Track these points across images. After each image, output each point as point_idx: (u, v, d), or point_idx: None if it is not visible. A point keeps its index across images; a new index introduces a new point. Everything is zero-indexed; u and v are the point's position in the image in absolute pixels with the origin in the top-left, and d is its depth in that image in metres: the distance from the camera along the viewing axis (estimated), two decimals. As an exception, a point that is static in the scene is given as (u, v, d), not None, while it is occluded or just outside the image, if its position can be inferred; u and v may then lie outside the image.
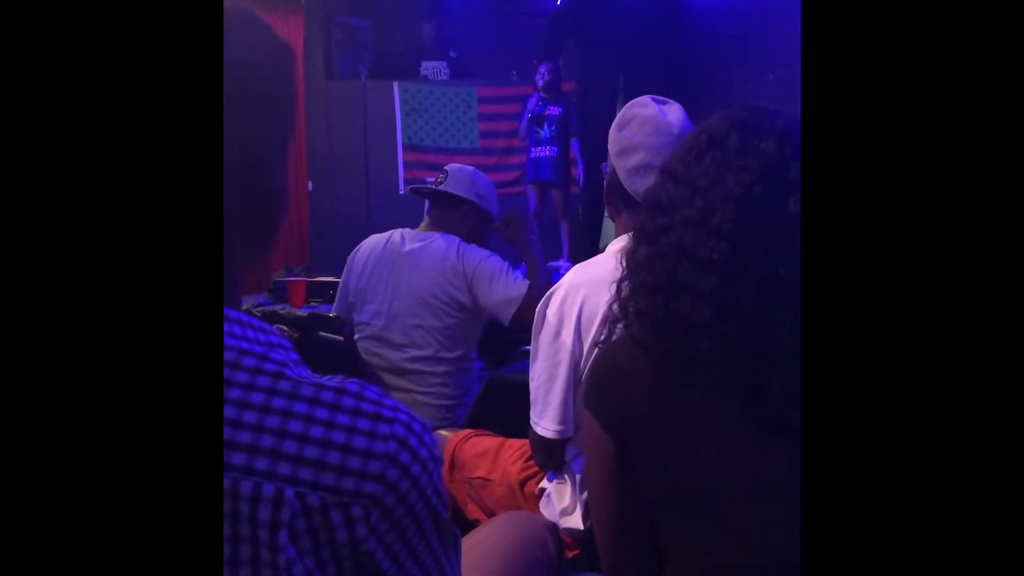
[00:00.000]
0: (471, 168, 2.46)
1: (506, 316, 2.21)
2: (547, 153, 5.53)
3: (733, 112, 0.94)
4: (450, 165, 2.42)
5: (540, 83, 5.53)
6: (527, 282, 2.23)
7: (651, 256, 0.91)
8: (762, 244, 0.85)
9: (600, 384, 0.95)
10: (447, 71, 6.48)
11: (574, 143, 5.50)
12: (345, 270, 2.41)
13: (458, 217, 2.35)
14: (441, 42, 6.56)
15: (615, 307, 0.99)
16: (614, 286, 1.00)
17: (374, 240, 2.37)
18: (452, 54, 6.50)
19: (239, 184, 0.56)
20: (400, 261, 2.27)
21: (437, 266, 2.22)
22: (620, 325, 0.98)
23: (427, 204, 2.45)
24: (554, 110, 5.49)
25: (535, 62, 6.16)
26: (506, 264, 2.27)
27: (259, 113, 0.59)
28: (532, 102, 5.53)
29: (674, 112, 1.45)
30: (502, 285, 2.21)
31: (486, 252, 2.28)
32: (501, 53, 6.51)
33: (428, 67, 6.48)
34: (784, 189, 0.85)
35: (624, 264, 0.99)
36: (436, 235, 2.30)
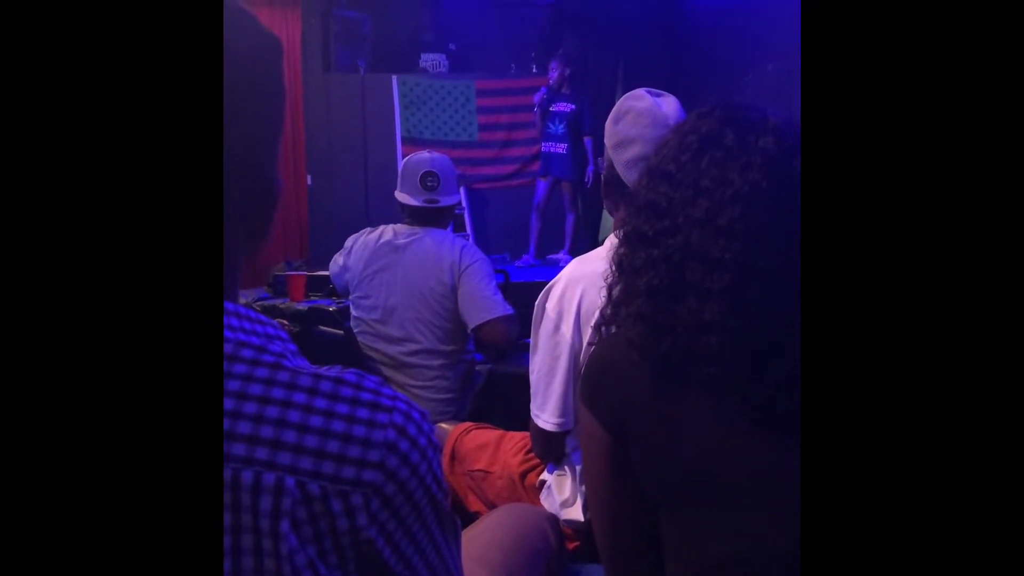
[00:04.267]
0: (449, 161, 2.47)
1: (473, 320, 2.22)
2: (556, 149, 5.50)
3: (714, 110, 0.94)
4: (434, 163, 2.40)
5: (550, 79, 5.52)
6: (510, 308, 2.24)
7: (652, 259, 0.91)
8: (770, 240, 0.85)
9: (596, 381, 0.95)
10: (446, 63, 6.46)
11: (587, 141, 5.47)
12: (339, 267, 2.43)
13: (447, 214, 2.43)
14: (440, 34, 6.53)
15: (607, 311, 0.98)
16: (604, 291, 0.99)
17: (365, 236, 2.38)
18: (451, 46, 6.48)
19: (231, 176, 0.56)
20: (395, 256, 2.28)
21: (433, 258, 2.24)
22: (612, 328, 0.97)
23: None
24: (564, 106, 5.45)
25: (533, 54, 6.12)
26: (498, 280, 2.33)
27: (248, 105, 0.59)
28: (538, 96, 5.53)
29: (669, 104, 1.45)
30: (488, 291, 2.24)
31: (485, 257, 2.32)
32: (500, 45, 6.49)
33: (427, 59, 6.45)
34: (787, 183, 0.85)
35: (615, 268, 0.98)
36: (427, 229, 2.33)
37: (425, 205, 2.34)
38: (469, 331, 2.25)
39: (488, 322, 2.20)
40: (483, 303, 2.21)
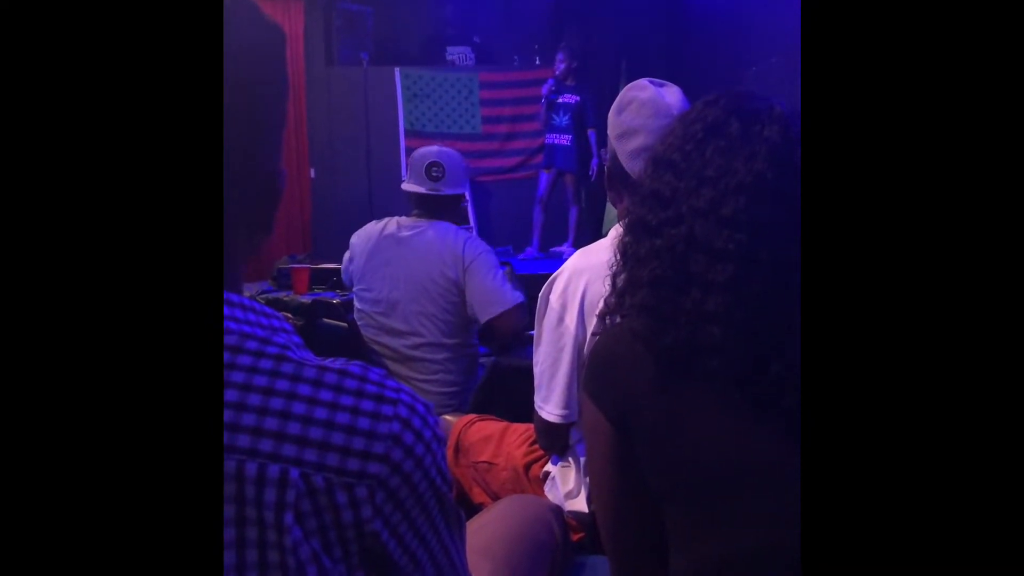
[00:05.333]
0: (458, 155, 2.48)
1: (487, 314, 2.22)
2: (561, 141, 5.50)
3: (720, 99, 0.93)
4: (441, 154, 2.42)
5: (556, 71, 5.50)
6: (521, 296, 2.24)
7: (656, 249, 0.90)
8: (774, 231, 0.84)
9: (600, 372, 0.95)
10: (472, 56, 6.45)
11: (591, 133, 5.46)
12: (345, 259, 2.43)
13: (452, 206, 2.42)
14: (444, 27, 6.52)
15: (611, 300, 0.98)
16: (609, 280, 0.99)
17: (369, 228, 2.39)
18: (475, 39, 6.47)
19: (234, 168, 0.56)
20: (398, 249, 2.28)
21: (436, 251, 2.24)
22: (616, 318, 0.97)
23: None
24: (569, 98, 5.44)
25: (536, 46, 6.09)
26: (503, 270, 2.32)
27: (250, 96, 0.58)
28: (546, 88, 5.52)
29: (672, 94, 1.44)
30: (496, 283, 2.24)
31: (488, 248, 2.31)
32: (503, 38, 6.48)
33: (454, 52, 6.44)
34: (791, 173, 0.85)
35: (619, 257, 0.98)
36: (431, 222, 2.33)
37: (428, 192, 2.34)
38: (481, 324, 2.25)
39: (502, 313, 2.20)
40: (494, 296, 2.21)
